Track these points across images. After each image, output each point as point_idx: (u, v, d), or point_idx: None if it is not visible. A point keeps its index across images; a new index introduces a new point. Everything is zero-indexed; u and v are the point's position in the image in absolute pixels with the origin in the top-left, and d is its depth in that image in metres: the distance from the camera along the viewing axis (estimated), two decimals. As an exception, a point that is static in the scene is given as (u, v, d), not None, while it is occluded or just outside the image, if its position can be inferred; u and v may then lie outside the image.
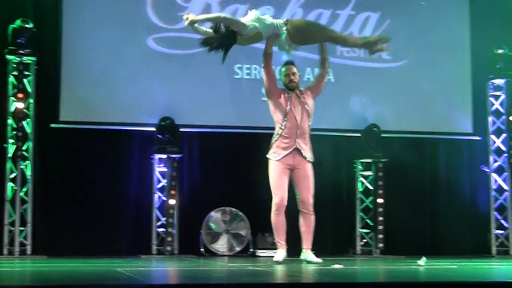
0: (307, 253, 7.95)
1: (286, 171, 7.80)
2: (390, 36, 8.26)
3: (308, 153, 7.89)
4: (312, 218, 8.01)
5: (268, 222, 10.57)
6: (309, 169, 7.92)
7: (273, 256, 10.34)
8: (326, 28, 8.27)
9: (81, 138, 10.65)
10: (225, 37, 7.46)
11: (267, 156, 7.90)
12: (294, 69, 7.94)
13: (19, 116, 10.00)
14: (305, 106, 7.85)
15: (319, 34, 7.82)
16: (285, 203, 7.82)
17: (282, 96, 7.84)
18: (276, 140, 7.80)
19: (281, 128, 7.77)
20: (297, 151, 7.79)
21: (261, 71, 8.06)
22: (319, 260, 7.87)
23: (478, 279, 5.89)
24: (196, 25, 7.47)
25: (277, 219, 7.86)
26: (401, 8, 11.64)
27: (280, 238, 7.94)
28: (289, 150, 7.76)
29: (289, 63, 7.97)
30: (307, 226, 7.93)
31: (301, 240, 8.05)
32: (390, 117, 11.47)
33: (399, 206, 11.36)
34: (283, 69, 7.99)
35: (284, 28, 7.62)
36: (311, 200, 7.95)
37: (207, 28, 7.62)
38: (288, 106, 7.78)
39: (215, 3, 11.06)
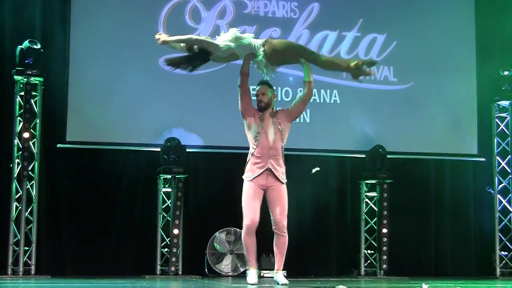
0: (277, 274, 7.72)
1: (259, 192, 7.50)
2: (377, 61, 7.95)
3: (281, 174, 7.54)
4: (285, 239, 7.56)
5: (272, 243, 10.67)
6: (282, 191, 7.54)
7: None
8: (307, 49, 7.89)
9: (87, 158, 10.70)
10: (198, 55, 7.42)
11: (243, 177, 7.58)
12: (264, 89, 7.59)
13: (25, 136, 10.05)
14: (278, 127, 7.54)
15: (299, 55, 7.52)
16: (256, 224, 7.48)
17: (256, 115, 7.57)
18: (248, 160, 7.55)
19: (254, 148, 7.51)
20: (270, 171, 7.47)
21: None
22: (286, 281, 7.64)
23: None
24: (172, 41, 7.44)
25: (249, 240, 7.56)
26: (407, 30, 11.67)
27: (251, 258, 7.70)
28: (262, 170, 7.46)
29: (260, 83, 7.65)
30: (278, 247, 7.55)
31: (275, 260, 7.74)
32: (395, 138, 11.50)
33: (404, 227, 11.38)
34: (256, 88, 7.69)
35: (262, 49, 7.37)
36: (284, 222, 7.49)
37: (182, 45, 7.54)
38: (260, 126, 7.52)
39: (224, 25, 11.15)
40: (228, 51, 7.47)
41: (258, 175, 7.45)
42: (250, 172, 7.50)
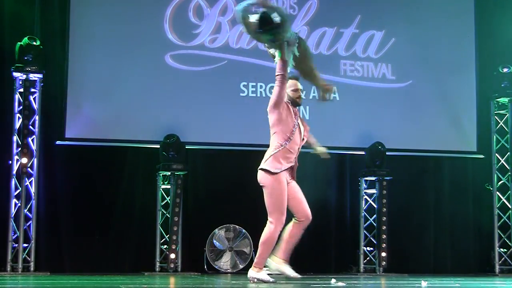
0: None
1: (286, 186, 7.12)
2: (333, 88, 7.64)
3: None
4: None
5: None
6: (298, 185, 7.19)
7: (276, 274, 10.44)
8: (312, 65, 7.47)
9: (86, 155, 10.68)
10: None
11: (266, 167, 7.02)
12: (300, 85, 7.37)
13: (24, 133, 10.04)
14: (301, 126, 7.25)
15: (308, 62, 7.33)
16: None
17: (289, 109, 7.19)
18: (277, 151, 7.06)
19: (287, 142, 7.08)
20: (292, 168, 7.15)
21: (276, 81, 7.12)
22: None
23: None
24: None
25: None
26: (405, 27, 11.66)
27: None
28: (289, 165, 7.09)
29: (297, 78, 7.33)
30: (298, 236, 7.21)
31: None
32: (395, 135, 11.49)
33: (403, 224, 11.39)
34: (291, 82, 7.28)
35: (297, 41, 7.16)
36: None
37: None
38: (296, 122, 7.18)
39: (225, 22, 11.16)
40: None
41: (286, 169, 7.09)
42: (278, 164, 7.02)
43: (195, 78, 10.90)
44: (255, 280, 7.03)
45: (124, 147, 10.81)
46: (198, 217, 10.98)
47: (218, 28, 11.15)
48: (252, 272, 7.09)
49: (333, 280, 7.50)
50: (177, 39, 10.97)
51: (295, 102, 7.32)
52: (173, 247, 10.40)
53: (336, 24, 11.48)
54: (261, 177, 7.06)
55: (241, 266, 10.73)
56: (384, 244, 11.02)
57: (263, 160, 7.10)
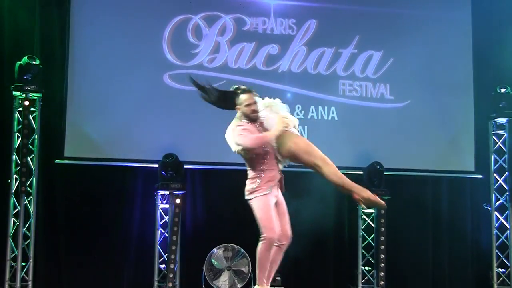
0: None
1: None
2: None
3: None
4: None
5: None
6: None
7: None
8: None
9: (85, 174, 10.68)
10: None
11: None
12: (254, 98, 7.03)
13: (23, 151, 10.06)
14: None
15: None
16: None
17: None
18: None
19: None
20: None
21: None
22: None
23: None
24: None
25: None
26: (404, 47, 11.65)
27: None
28: None
29: (249, 91, 7.10)
30: None
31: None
32: (393, 154, 11.50)
33: (401, 244, 11.37)
34: (244, 97, 7.06)
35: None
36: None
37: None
38: None
39: (223, 42, 11.20)
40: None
41: None
42: None
43: (194, 98, 10.74)
44: None
45: (123, 166, 10.82)
46: (196, 236, 10.97)
47: (216, 48, 11.19)
48: None
49: None
50: (176, 59, 11.02)
51: (250, 118, 7.17)
52: (172, 266, 10.40)
53: (335, 45, 11.51)
54: None
55: (239, 286, 10.71)
56: (383, 264, 11.00)
57: None
